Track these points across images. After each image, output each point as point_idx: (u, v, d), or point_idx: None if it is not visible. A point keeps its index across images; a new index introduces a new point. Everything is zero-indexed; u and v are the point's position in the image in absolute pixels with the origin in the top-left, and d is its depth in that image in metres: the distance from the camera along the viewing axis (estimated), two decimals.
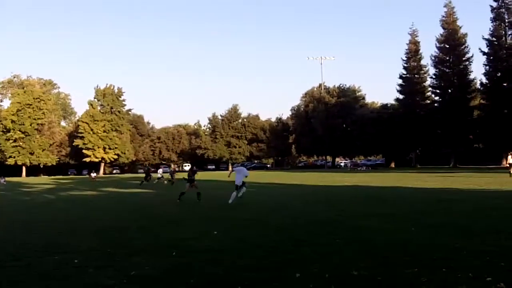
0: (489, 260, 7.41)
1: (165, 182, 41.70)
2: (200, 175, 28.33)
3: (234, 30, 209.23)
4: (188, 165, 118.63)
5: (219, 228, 12.12)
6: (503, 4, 65.31)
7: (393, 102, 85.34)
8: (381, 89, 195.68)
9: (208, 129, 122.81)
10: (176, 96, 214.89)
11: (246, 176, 20.16)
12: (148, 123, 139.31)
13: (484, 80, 68.91)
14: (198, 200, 20.31)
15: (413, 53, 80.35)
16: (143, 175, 46.94)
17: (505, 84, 64.74)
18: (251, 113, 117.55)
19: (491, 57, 66.57)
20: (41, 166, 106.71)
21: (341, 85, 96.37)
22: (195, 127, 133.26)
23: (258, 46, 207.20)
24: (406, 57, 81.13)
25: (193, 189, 21.38)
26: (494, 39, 66.25)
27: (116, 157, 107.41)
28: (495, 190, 22.57)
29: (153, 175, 43.95)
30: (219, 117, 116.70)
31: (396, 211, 14.90)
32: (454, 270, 6.86)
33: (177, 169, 77.00)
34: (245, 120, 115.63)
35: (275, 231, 11.63)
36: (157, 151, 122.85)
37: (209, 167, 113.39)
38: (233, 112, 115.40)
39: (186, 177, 22.40)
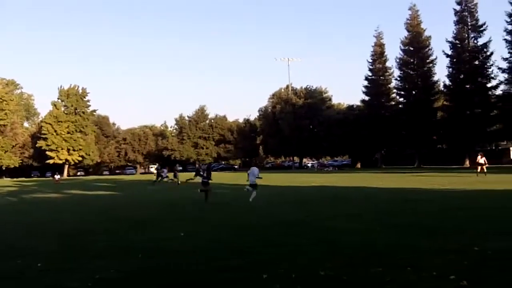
0: (453, 259, 7.51)
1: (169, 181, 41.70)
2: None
3: (200, 30, 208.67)
4: (155, 167, 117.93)
5: (186, 230, 12.02)
6: (466, 7, 66.57)
7: (359, 104, 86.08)
8: (347, 90, 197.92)
9: (175, 130, 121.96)
10: (142, 97, 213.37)
11: (258, 177, 20.01)
12: (114, 124, 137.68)
13: (448, 82, 70.23)
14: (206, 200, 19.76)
15: (378, 55, 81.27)
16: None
17: (467, 86, 66.03)
18: (219, 114, 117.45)
19: (454, 60, 67.76)
20: (4, 168, 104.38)
21: (308, 87, 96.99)
22: (162, 128, 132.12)
23: (226, 47, 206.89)
24: (371, 59, 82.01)
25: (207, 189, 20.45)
26: (457, 41, 67.49)
27: (80, 159, 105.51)
28: (459, 190, 22.95)
29: (169, 174, 43.54)
30: (186, 118, 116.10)
31: (362, 211, 15.03)
32: (418, 269, 6.92)
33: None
34: (212, 121, 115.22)
35: (243, 232, 11.60)
36: (122, 153, 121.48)
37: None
38: (200, 113, 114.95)
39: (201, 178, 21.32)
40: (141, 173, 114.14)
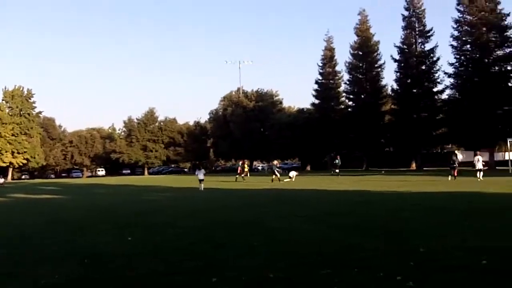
0: (400, 260, 7.59)
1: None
2: (114, 180, 27.72)
3: (150, 31, 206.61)
4: (102, 170, 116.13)
5: (134, 233, 11.80)
6: (414, 13, 68.19)
7: (309, 107, 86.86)
8: (298, 94, 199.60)
9: (123, 133, 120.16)
10: (90, 99, 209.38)
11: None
12: (60, 126, 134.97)
13: (395, 86, 71.68)
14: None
15: (328, 59, 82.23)
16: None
17: (414, 90, 67.52)
18: (168, 116, 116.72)
19: (402, 64, 69.21)
20: None
21: (259, 90, 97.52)
22: (110, 130, 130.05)
23: (177, 49, 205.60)
24: (321, 63, 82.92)
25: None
26: (405, 46, 68.95)
27: (25, 161, 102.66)
28: (406, 192, 23.34)
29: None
30: (135, 121, 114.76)
31: (312, 213, 15.08)
32: (366, 270, 6.97)
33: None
34: (162, 123, 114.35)
35: (192, 234, 11.45)
36: (69, 156, 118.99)
37: (124, 171, 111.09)
38: (150, 116, 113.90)
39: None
40: (88, 176, 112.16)
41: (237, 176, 46.02)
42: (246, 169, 48.86)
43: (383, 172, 53.87)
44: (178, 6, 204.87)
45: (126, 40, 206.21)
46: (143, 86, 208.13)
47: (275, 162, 43.59)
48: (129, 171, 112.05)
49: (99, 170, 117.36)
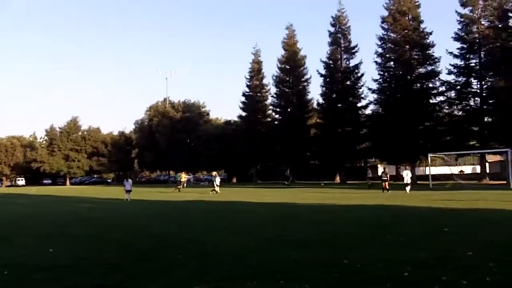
0: (324, 271, 7.61)
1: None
2: (35, 190, 26.54)
3: (74, 37, 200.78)
4: (22, 180, 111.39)
5: (56, 245, 11.31)
6: (339, 29, 70.07)
7: (236, 119, 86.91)
8: (225, 106, 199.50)
9: (45, 142, 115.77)
10: (9, 105, 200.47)
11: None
12: None
13: (321, 101, 73.15)
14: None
15: (256, 72, 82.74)
16: None
17: (339, 105, 69.12)
18: (92, 126, 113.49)
19: (328, 79, 70.72)
20: None
21: (186, 100, 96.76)
22: (31, 139, 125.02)
23: (101, 56, 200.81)
24: (249, 75, 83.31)
25: None
26: (331, 62, 70.57)
27: None
28: (331, 204, 23.57)
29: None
30: (57, 129, 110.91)
31: (237, 225, 15.00)
32: (291, 282, 6.95)
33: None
34: (85, 133, 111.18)
35: (116, 247, 11.08)
36: None
37: (45, 181, 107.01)
38: (73, 124, 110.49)
39: None
40: (7, 186, 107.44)
41: (179, 187, 46.57)
42: (183, 180, 49.62)
43: (322, 184, 54.50)
44: (103, 15, 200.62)
45: (48, 46, 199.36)
46: (66, 94, 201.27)
47: (214, 173, 43.73)
48: (50, 181, 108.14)
49: (18, 180, 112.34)
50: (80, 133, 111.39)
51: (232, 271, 7.85)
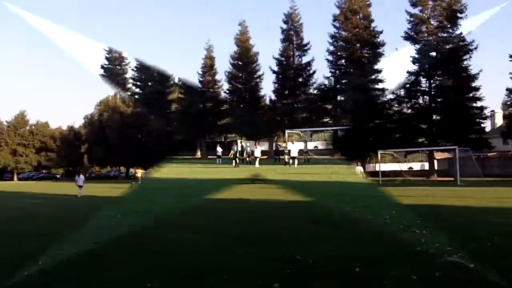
0: (277, 267, 7.72)
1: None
2: None
3: (21, 28, 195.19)
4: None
5: (1, 242, 11.34)
6: (292, 27, 70.61)
7: None
8: None
9: None
10: None
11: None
12: None
13: (273, 97, 73.52)
14: None
15: (208, 67, 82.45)
16: None
17: (291, 101, 69.23)
18: (40, 120, 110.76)
19: (280, 76, 71.06)
20: None
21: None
22: None
23: (49, 49, 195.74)
24: (201, 71, 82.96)
25: None
26: (283, 59, 70.96)
27: None
28: (278, 200, 23.27)
29: None
30: (4, 123, 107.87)
31: (191, 223, 14.96)
32: (244, 278, 7.07)
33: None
34: (33, 127, 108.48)
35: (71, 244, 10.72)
36: None
37: None
38: (20, 119, 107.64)
39: None
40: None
41: (133, 183, 46.30)
42: (138, 176, 49.94)
43: None
44: (53, 4, 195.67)
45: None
46: (13, 88, 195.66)
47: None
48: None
49: None
50: (28, 128, 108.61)
51: (185, 269, 7.90)
